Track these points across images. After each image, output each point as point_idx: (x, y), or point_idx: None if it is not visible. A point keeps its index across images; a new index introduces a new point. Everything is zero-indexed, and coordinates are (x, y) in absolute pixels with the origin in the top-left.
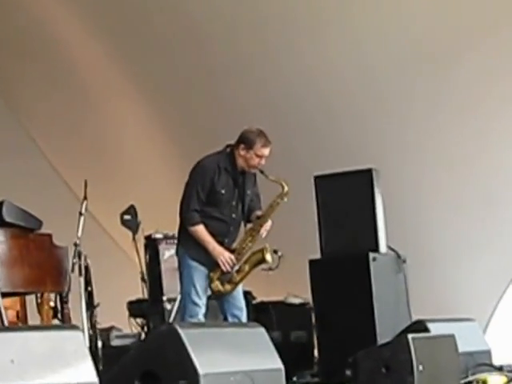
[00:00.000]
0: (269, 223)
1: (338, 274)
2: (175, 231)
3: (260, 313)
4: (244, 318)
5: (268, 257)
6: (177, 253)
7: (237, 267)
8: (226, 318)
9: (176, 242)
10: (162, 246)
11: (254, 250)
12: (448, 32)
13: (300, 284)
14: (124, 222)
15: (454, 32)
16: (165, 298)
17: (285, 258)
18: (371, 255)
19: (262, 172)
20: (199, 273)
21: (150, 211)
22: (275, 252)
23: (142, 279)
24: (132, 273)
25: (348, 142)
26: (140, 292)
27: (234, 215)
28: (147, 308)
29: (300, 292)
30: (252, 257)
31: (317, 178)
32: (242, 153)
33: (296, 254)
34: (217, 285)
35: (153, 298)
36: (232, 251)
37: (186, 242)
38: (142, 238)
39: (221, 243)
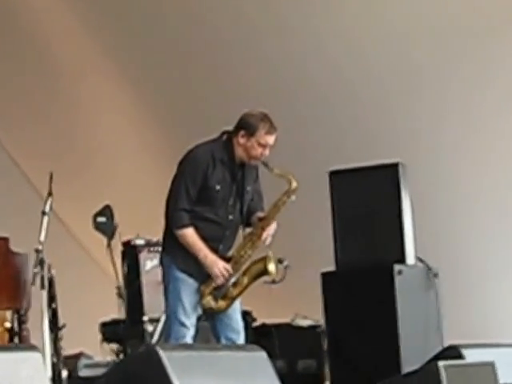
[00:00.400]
0: (273, 227)
1: (357, 290)
2: (159, 236)
3: (261, 337)
4: (240, 343)
5: (271, 267)
6: (161, 262)
7: (233, 279)
8: (218, 341)
9: (160, 249)
10: (143, 255)
11: (255, 260)
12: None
13: (310, 302)
14: (97, 225)
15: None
16: (146, 319)
17: (292, 270)
18: (396, 267)
19: (265, 164)
20: (188, 287)
21: (129, 212)
22: (280, 262)
23: (119, 295)
24: (106, 287)
25: (373, 136)
26: (115, 311)
27: (230, 216)
28: (124, 331)
29: (310, 312)
30: (252, 267)
31: (332, 173)
32: (242, 141)
33: (305, 264)
34: (208, 301)
35: (131, 319)
36: (228, 260)
37: (173, 249)
38: (119, 245)
39: (214, 250)
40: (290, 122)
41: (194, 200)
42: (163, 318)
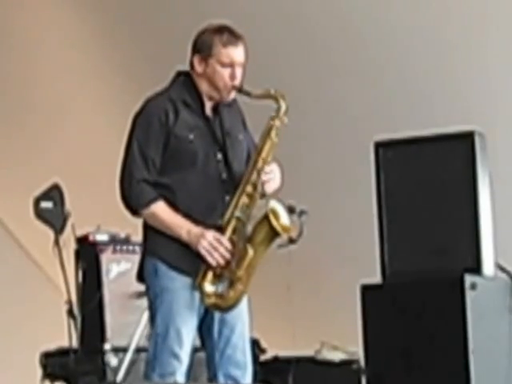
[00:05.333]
0: (272, 168)
1: (411, 311)
2: (130, 230)
3: (273, 375)
4: (246, 382)
5: (280, 222)
6: (140, 273)
7: (235, 255)
8: (214, 379)
9: (134, 247)
10: (106, 256)
11: (257, 220)
12: None
13: (343, 327)
14: (40, 213)
15: None
16: (108, 347)
17: (310, 218)
18: (468, 279)
19: (239, 90)
20: (183, 293)
21: (85, 194)
22: (291, 210)
23: (69, 314)
24: (51, 302)
25: (434, 102)
26: (64, 336)
27: (224, 175)
28: (76, 364)
29: (342, 341)
30: (256, 232)
31: (379, 145)
32: (200, 69)
33: (337, 273)
34: (210, 295)
35: (87, 348)
36: (219, 228)
37: (157, 241)
38: (72, 242)
39: (210, 227)
40: (329, 87)
41: (159, 166)
42: (133, 346)
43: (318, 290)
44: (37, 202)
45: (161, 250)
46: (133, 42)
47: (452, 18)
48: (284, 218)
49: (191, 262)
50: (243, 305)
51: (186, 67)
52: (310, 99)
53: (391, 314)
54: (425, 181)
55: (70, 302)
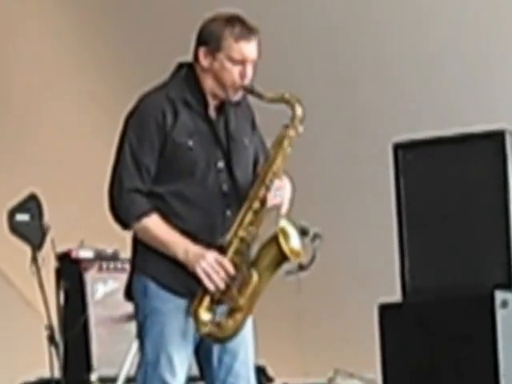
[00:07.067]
0: (283, 183)
1: (435, 332)
2: (118, 245)
3: None
4: None
5: (290, 245)
6: (127, 291)
7: (237, 279)
8: None
9: (123, 264)
10: (91, 275)
11: (264, 242)
12: None
13: (359, 351)
14: (16, 227)
15: None
16: (94, 378)
17: (324, 244)
18: (499, 296)
19: (250, 91)
20: (176, 316)
21: (66, 205)
22: (304, 232)
23: (50, 340)
24: (30, 327)
25: (458, 98)
26: (45, 365)
27: (224, 187)
28: None
29: (358, 367)
30: (262, 254)
31: (398, 146)
32: (206, 63)
33: (352, 291)
34: (206, 323)
35: (70, 378)
36: (221, 249)
37: (147, 257)
38: (52, 259)
39: (208, 246)
40: (345, 85)
41: (153, 173)
42: (123, 374)
43: (330, 312)
44: (11, 214)
45: (151, 268)
46: (122, 36)
47: (480, 13)
48: (295, 241)
49: (186, 281)
50: (247, 328)
51: (180, 62)
52: (323, 100)
53: (413, 336)
54: (449, 186)
55: (50, 328)
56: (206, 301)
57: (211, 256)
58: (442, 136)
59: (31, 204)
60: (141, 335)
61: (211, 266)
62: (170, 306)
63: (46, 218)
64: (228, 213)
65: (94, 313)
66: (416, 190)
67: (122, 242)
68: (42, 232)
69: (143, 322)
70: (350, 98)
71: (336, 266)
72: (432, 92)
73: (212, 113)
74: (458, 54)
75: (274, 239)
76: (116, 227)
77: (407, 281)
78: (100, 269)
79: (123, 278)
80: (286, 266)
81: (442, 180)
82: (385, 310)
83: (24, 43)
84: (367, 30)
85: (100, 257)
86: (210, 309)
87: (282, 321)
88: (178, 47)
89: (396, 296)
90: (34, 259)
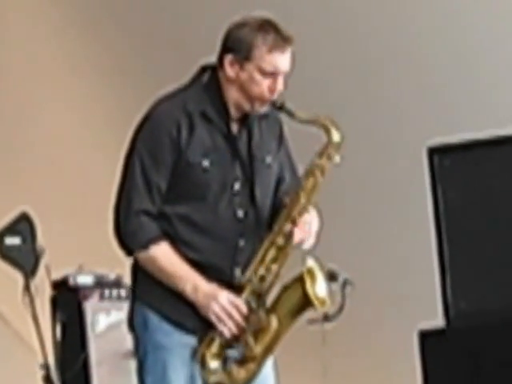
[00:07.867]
0: (311, 217)
1: (481, 360)
2: (121, 270)
3: None
4: None
5: (317, 291)
6: (130, 320)
7: (254, 324)
8: None
9: (128, 292)
10: (91, 304)
11: (287, 283)
12: None
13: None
14: (5, 252)
15: None
16: None
17: (355, 291)
18: None
19: (279, 107)
20: (181, 352)
21: (63, 227)
22: (333, 277)
23: (46, 380)
24: (23, 365)
25: (498, 97)
26: None
27: (240, 213)
28: None
29: None
30: (283, 297)
31: (433, 151)
32: (232, 73)
33: (386, 315)
34: (215, 371)
35: None
36: (238, 288)
37: (149, 286)
38: (48, 287)
39: (225, 282)
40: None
41: (165, 193)
42: None
43: (361, 345)
44: (0, 237)
45: (153, 297)
46: (123, 36)
47: None
48: (321, 287)
49: (193, 315)
50: (267, 369)
51: (203, 65)
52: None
53: (458, 366)
54: (493, 195)
55: (46, 367)
56: (216, 344)
57: (224, 297)
58: (482, 139)
59: (22, 225)
60: (141, 374)
61: (224, 309)
62: (173, 341)
63: (40, 241)
64: (241, 243)
65: (95, 348)
66: (455, 199)
67: (125, 267)
68: (35, 257)
69: (144, 358)
70: (384, 100)
71: (367, 294)
72: (469, 90)
73: (234, 126)
74: (497, 52)
75: (299, 281)
76: (118, 250)
77: (450, 303)
78: (101, 297)
79: (127, 307)
80: (309, 313)
81: (483, 188)
82: (426, 337)
83: (14, 43)
84: (399, 31)
85: (101, 283)
86: (220, 354)
87: (306, 375)
88: (179, 48)
89: (438, 321)
90: (27, 288)
